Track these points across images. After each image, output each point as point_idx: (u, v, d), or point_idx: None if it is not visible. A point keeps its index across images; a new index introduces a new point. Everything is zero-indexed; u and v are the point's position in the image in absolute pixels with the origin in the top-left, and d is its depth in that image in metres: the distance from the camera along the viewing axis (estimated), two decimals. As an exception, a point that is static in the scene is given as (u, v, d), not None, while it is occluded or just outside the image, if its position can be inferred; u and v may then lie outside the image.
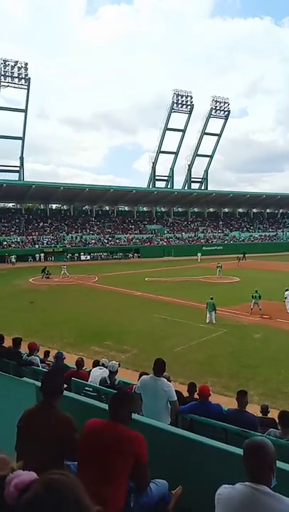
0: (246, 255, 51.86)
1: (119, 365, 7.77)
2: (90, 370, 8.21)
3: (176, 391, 5.22)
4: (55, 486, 1.04)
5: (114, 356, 12.90)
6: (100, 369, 7.83)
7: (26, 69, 55.46)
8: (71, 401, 4.11)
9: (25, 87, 56.53)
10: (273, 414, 7.30)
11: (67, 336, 16.46)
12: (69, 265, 40.33)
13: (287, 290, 21.14)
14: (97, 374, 7.57)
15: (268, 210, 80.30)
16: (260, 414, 7.34)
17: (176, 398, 4.93)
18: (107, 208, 69.98)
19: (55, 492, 1.02)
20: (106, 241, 59.09)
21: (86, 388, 6.66)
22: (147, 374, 5.49)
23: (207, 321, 18.29)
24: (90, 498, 1.11)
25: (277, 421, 6.03)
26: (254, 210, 79.49)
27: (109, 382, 7.02)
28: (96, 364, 8.61)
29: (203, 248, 59.21)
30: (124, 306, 22.58)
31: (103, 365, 8.11)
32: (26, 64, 55.28)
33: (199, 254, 52.27)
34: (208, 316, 18.44)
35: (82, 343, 15.39)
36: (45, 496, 1.01)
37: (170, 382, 5.42)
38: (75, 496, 1.03)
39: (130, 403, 2.94)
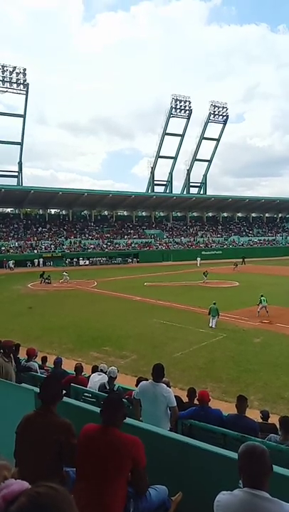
0: (246, 259, 51.90)
1: (118, 370, 7.74)
2: (89, 376, 8.18)
3: (175, 396, 5.19)
4: (39, 501, 1.00)
5: (114, 362, 12.86)
6: (99, 375, 7.80)
7: (25, 74, 55.74)
8: (70, 407, 4.08)
9: (24, 92, 56.81)
10: (273, 419, 7.27)
11: (65, 341, 16.41)
12: (68, 270, 40.29)
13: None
14: (96, 380, 7.55)
15: (266, 215, 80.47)
16: (261, 420, 7.30)
17: (175, 404, 4.90)
18: (106, 212, 70.09)
19: (39, 507, 0.99)
20: (105, 246, 59.10)
21: (85, 394, 6.63)
22: (145, 379, 5.46)
23: (211, 326, 18.27)
24: (89, 505, 1.08)
25: (277, 426, 6.00)
26: (253, 215, 79.66)
27: (108, 387, 6.98)
28: (95, 370, 8.58)
29: (203, 253, 59.24)
30: (123, 311, 22.53)
31: (101, 370, 8.09)
32: (25, 69, 55.60)
33: (198, 259, 52.27)
34: (211, 320, 18.43)
35: (80, 348, 15.34)
36: (29, 511, 0.99)
37: (170, 387, 5.40)
38: (61, 510, 1.00)
39: (124, 407, 2.92)
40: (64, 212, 65.87)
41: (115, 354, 14.68)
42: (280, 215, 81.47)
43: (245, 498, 1.96)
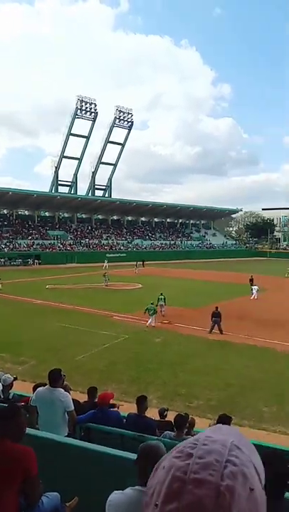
0: (145, 262, 53.49)
1: (15, 378, 7.34)
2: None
3: (73, 400, 5.09)
4: None
5: (10, 369, 12.15)
6: (-7, 383, 7.29)
7: None
8: None
9: None
10: (170, 416, 7.54)
11: None
12: None
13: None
14: (-10, 389, 7.04)
15: (168, 220, 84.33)
16: (158, 418, 7.52)
17: (73, 408, 4.80)
18: (5, 211, 66.22)
19: None
20: (3, 246, 55.87)
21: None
22: (44, 385, 5.26)
23: (147, 325, 18.78)
24: None
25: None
26: (156, 220, 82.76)
27: (2, 396, 6.57)
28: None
29: (107, 255, 59.47)
30: (23, 315, 21.50)
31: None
32: None
33: (106, 261, 52.37)
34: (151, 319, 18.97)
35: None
36: None
37: (68, 391, 5.27)
38: None
39: (20, 418, 2.77)
40: None
41: (13, 360, 13.91)
42: (180, 221, 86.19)
43: (135, 495, 1.99)
